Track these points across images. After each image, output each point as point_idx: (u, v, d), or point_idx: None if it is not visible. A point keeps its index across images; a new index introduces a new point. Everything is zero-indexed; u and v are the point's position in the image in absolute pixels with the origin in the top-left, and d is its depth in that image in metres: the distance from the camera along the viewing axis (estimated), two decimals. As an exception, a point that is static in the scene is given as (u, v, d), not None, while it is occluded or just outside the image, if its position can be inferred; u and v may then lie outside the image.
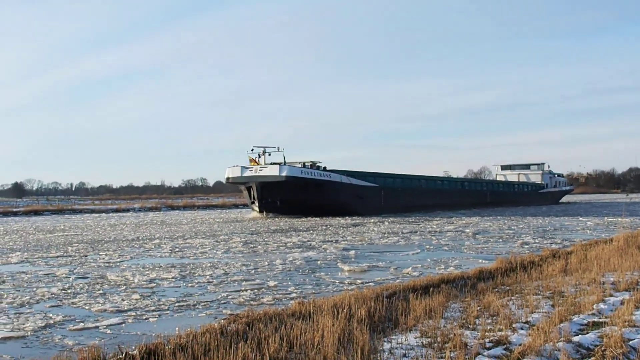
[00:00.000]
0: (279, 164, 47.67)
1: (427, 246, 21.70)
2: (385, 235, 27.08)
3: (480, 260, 17.04)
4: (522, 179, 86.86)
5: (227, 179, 50.04)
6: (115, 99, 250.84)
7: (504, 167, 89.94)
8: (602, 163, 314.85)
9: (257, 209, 49.28)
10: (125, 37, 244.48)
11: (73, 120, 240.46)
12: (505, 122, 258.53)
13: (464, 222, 37.76)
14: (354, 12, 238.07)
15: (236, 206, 79.63)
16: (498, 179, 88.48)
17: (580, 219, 40.75)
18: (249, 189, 49.65)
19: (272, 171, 46.91)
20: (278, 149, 49.35)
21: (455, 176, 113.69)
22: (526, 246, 21.30)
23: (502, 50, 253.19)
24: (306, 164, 50.40)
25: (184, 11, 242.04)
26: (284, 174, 46.21)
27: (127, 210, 70.54)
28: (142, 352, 6.48)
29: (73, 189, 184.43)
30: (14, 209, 66.18)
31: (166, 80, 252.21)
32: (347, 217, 45.08)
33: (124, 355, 6.42)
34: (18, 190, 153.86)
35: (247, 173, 48.23)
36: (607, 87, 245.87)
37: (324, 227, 33.29)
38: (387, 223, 37.05)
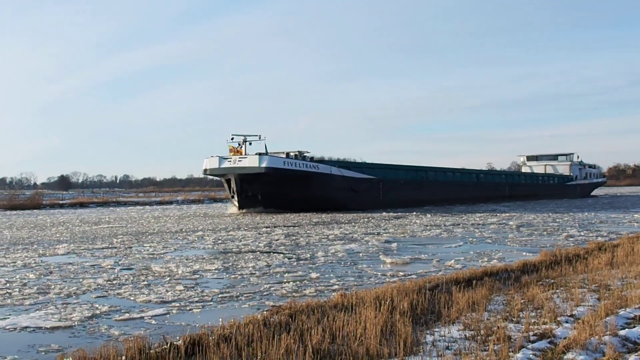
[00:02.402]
0: (260, 154, 43.71)
1: (470, 239, 21.51)
2: (428, 227, 26.92)
3: (524, 253, 16.81)
4: (549, 170, 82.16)
5: (205, 170, 45.94)
6: (159, 93, 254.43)
7: (529, 158, 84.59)
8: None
9: (236, 203, 45.26)
10: (169, 31, 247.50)
11: (118, 114, 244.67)
12: (549, 113, 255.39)
13: (507, 214, 37.34)
14: (396, 2, 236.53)
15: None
16: (523, 170, 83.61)
17: (628, 211, 39.97)
18: (228, 181, 45.85)
19: (252, 162, 42.85)
20: (260, 138, 45.09)
21: (498, 169, 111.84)
22: (571, 239, 20.95)
23: (545, 41, 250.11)
24: (290, 154, 45.84)
25: (225, 6, 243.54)
26: (263, 164, 42.19)
27: (171, 203, 71.47)
28: (187, 342, 6.56)
29: (117, 181, 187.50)
30: (61, 202, 67.58)
31: (210, 74, 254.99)
32: (384, 211, 44.75)
33: (168, 345, 6.50)
34: (64, 183, 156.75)
35: (225, 164, 43.97)
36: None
37: (365, 220, 33.24)
38: (429, 215, 36.84)
